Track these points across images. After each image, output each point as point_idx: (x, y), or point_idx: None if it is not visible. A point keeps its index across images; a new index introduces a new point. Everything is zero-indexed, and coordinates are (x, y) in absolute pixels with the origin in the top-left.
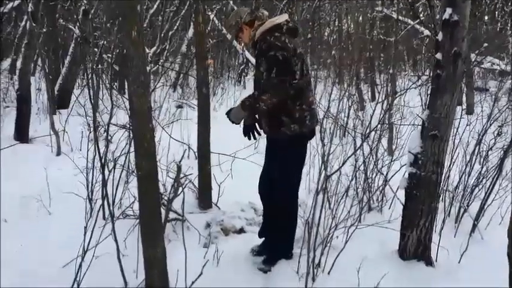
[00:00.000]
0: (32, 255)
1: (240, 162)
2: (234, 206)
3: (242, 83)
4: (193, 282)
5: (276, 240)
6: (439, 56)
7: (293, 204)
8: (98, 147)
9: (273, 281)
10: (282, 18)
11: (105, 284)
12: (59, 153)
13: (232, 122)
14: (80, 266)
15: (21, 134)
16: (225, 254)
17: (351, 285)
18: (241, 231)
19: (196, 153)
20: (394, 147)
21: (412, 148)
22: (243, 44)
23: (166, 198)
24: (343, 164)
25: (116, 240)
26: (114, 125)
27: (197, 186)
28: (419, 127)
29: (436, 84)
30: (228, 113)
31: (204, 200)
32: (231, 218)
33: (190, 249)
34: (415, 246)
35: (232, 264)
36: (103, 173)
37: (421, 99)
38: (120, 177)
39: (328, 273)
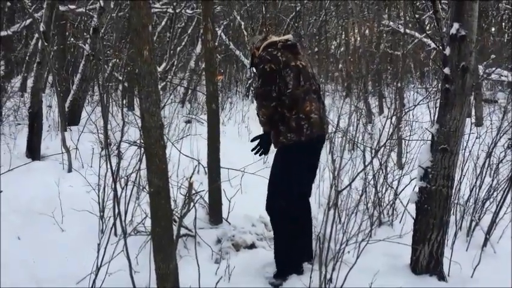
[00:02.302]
0: (45, 272)
1: (250, 177)
2: (245, 221)
3: (250, 97)
4: None
5: (280, 252)
6: (447, 70)
7: (293, 214)
8: (110, 163)
9: None
10: (282, 37)
11: None
12: (70, 170)
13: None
14: (94, 282)
15: (33, 152)
16: (236, 269)
17: None
18: (252, 246)
19: (206, 169)
20: (403, 161)
21: (422, 162)
22: (250, 59)
23: (177, 214)
24: (354, 179)
25: (128, 257)
26: (125, 142)
27: (207, 201)
28: (429, 141)
29: (444, 98)
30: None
31: (215, 215)
32: (242, 233)
33: (201, 264)
34: (427, 261)
35: (243, 279)
36: (115, 190)
37: (430, 112)
38: (131, 193)
39: None
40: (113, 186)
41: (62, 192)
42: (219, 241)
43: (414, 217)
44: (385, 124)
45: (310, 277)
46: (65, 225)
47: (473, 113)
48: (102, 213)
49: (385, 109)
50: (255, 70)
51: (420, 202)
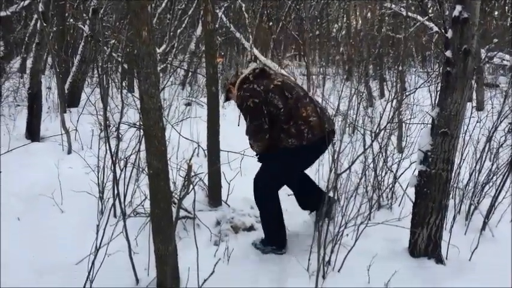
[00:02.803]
0: (45, 253)
1: (249, 160)
2: (244, 204)
3: None
4: (205, 281)
5: (267, 227)
6: (448, 53)
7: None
8: (109, 145)
9: (283, 278)
10: (248, 69)
11: (117, 281)
12: (69, 151)
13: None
14: (93, 263)
15: (33, 133)
16: (235, 251)
17: (361, 283)
18: (251, 228)
19: (205, 151)
20: (403, 144)
21: (422, 146)
22: (251, 42)
23: (176, 196)
24: (354, 162)
25: (127, 239)
26: (124, 123)
27: (207, 184)
28: (429, 125)
29: (446, 81)
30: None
31: (214, 197)
32: (241, 215)
33: (200, 247)
34: (426, 244)
35: (242, 262)
36: (114, 172)
37: (431, 96)
38: (130, 175)
39: (339, 270)
40: (112, 168)
41: (62, 173)
42: (218, 223)
43: (413, 201)
44: (385, 107)
45: (309, 259)
46: (64, 207)
47: (474, 97)
48: (101, 195)
49: (386, 93)
50: (234, 104)
51: (419, 186)
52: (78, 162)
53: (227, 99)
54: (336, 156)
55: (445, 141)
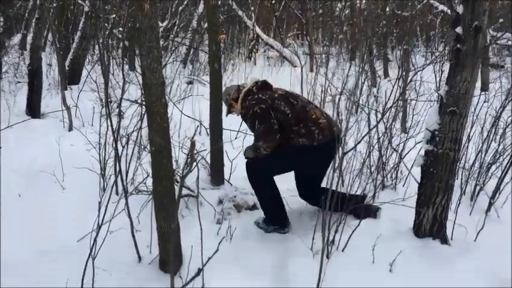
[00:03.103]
0: (47, 230)
1: (252, 139)
2: (246, 182)
3: (252, 59)
4: (209, 259)
5: (265, 206)
6: (459, 30)
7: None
8: (111, 121)
9: (287, 257)
10: (250, 83)
11: (119, 259)
12: (71, 128)
13: (247, 157)
14: (95, 241)
15: (33, 109)
16: (237, 230)
17: (366, 262)
18: (253, 207)
19: (207, 130)
20: (408, 124)
21: (429, 125)
22: (253, 20)
23: (179, 174)
24: (360, 141)
25: (129, 216)
26: (126, 100)
27: (209, 162)
28: (437, 103)
29: (455, 59)
30: (245, 151)
31: (216, 176)
32: (243, 194)
33: (203, 225)
34: (431, 224)
35: (245, 240)
36: (116, 149)
37: (435, 76)
38: (132, 152)
39: (343, 250)
40: (113, 145)
41: (63, 150)
42: (220, 202)
43: (418, 181)
44: (394, 86)
45: (313, 239)
46: (65, 184)
47: (479, 76)
48: (103, 172)
49: (390, 72)
50: (237, 116)
51: (426, 165)
52: (79, 139)
53: (229, 112)
54: (342, 134)
55: (453, 120)
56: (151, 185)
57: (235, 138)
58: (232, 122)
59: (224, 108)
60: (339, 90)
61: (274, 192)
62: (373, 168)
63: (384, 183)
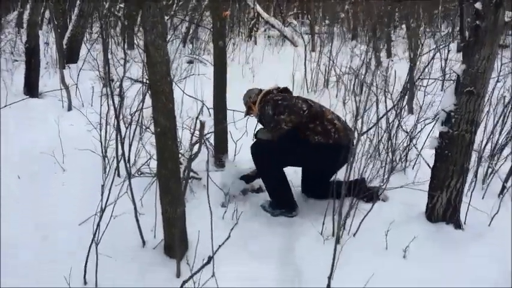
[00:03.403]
0: (47, 213)
1: (255, 120)
2: (251, 164)
3: (253, 38)
4: (219, 247)
5: (272, 190)
6: (478, 5)
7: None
8: (113, 101)
9: (296, 242)
10: (272, 87)
11: (123, 243)
12: (70, 108)
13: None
14: (98, 225)
15: (31, 89)
16: (243, 214)
17: (378, 247)
18: (259, 190)
19: (209, 110)
20: (417, 106)
21: (445, 105)
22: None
23: (182, 156)
24: (378, 121)
25: (133, 200)
26: (128, 78)
27: (213, 144)
28: (452, 83)
29: (474, 36)
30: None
31: (221, 158)
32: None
33: (208, 209)
34: (444, 208)
35: (251, 224)
36: (118, 130)
37: (440, 56)
38: (134, 133)
39: (354, 235)
40: (115, 126)
41: (62, 131)
42: (225, 185)
43: (428, 164)
44: (411, 67)
45: (323, 223)
46: (66, 165)
47: None
48: (105, 153)
49: (394, 52)
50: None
51: (440, 148)
52: (79, 120)
53: (247, 114)
54: (358, 115)
55: (470, 100)
56: (155, 168)
57: (245, 117)
58: (236, 103)
59: (242, 106)
60: (343, 70)
61: (280, 175)
62: (382, 151)
63: (393, 166)
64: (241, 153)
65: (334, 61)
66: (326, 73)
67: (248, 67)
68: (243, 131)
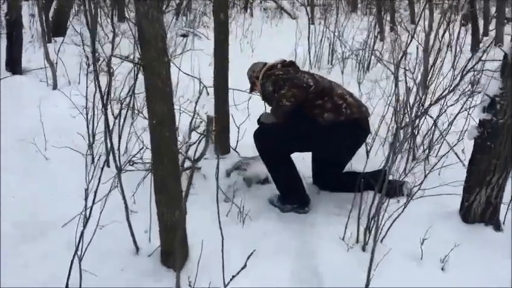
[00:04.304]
0: (27, 211)
1: (258, 100)
2: (255, 151)
3: (249, 10)
4: (233, 277)
5: (279, 181)
6: None
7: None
8: (99, 85)
9: (314, 249)
10: (277, 60)
11: (112, 250)
12: (55, 86)
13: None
14: (82, 236)
15: (14, 65)
16: (251, 211)
17: (412, 257)
18: (265, 181)
19: (207, 89)
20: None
21: (488, 89)
22: None
23: (181, 146)
24: (426, 111)
25: (124, 199)
26: (117, 56)
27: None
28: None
29: None
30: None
31: (222, 144)
32: (253, 165)
33: (209, 204)
34: (483, 208)
35: (259, 223)
36: (106, 119)
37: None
38: (125, 118)
39: (381, 241)
40: (102, 110)
41: (45, 113)
42: (227, 175)
43: (461, 159)
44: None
45: (346, 227)
46: (48, 153)
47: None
48: (92, 142)
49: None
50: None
51: (481, 138)
52: (64, 101)
53: (252, 90)
54: (401, 109)
55: None
56: (150, 160)
57: (250, 94)
58: (236, 81)
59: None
60: (348, 46)
61: (289, 166)
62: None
63: (414, 154)
64: (244, 139)
65: (341, 35)
66: (330, 48)
67: (246, 41)
68: (246, 113)
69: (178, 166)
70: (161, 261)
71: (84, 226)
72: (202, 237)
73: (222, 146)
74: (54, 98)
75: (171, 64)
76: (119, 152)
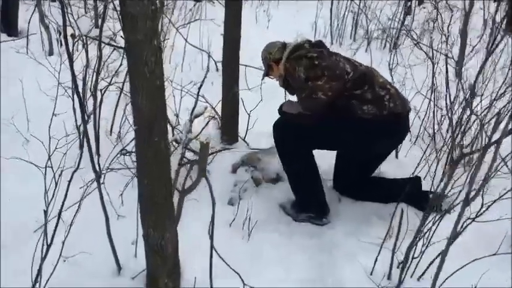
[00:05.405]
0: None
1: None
2: (266, 141)
3: None
4: None
5: (295, 185)
6: None
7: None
8: (72, 72)
9: (332, 273)
10: (301, 39)
11: (90, 268)
12: (51, 52)
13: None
14: (40, 269)
15: (9, 26)
16: (257, 215)
17: None
18: (276, 180)
19: (217, 64)
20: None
21: None
22: None
23: (179, 134)
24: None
25: (104, 209)
26: (92, 38)
27: (219, 113)
28: None
29: None
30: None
31: (229, 131)
32: (263, 159)
33: (209, 210)
34: None
35: (268, 236)
36: (83, 116)
37: None
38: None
39: (419, 279)
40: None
41: (31, 87)
42: (234, 171)
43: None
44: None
45: (376, 260)
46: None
47: None
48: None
49: None
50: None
51: None
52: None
53: (267, 75)
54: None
55: None
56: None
57: (263, 79)
58: (249, 56)
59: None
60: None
61: (309, 166)
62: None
63: (453, 156)
64: (255, 127)
65: (367, 7)
66: (354, 22)
67: (263, 9)
68: (258, 96)
69: (171, 182)
70: (146, 285)
71: (43, 258)
72: (198, 254)
73: (229, 134)
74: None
75: (178, 34)
76: (98, 154)
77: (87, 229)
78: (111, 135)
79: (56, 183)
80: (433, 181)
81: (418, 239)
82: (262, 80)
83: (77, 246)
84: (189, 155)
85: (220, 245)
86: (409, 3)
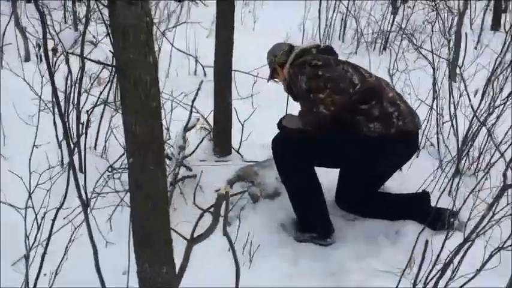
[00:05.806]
0: None
1: (264, 84)
2: (261, 153)
3: None
4: None
5: (297, 205)
6: None
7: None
8: (54, 88)
9: None
10: (310, 43)
11: None
12: (28, 58)
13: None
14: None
15: None
16: (256, 236)
17: None
18: (275, 195)
19: (204, 68)
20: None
21: None
22: None
23: (171, 149)
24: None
25: (92, 242)
26: (74, 54)
27: (211, 124)
28: None
29: None
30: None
31: (222, 143)
32: (261, 174)
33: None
34: None
35: (268, 261)
36: (69, 147)
37: None
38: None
39: None
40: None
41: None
42: (229, 186)
43: None
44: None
45: (398, 283)
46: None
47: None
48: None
49: None
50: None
51: None
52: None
53: (271, 78)
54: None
55: None
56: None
57: (268, 81)
58: (238, 60)
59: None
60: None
61: (311, 182)
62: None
63: (459, 168)
64: (249, 138)
65: (356, 7)
66: (342, 23)
67: (248, 10)
68: (250, 105)
69: (168, 213)
70: None
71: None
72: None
73: (222, 145)
74: (26, 69)
75: (163, 39)
76: (85, 173)
77: (75, 261)
78: (95, 149)
79: (39, 227)
80: (440, 196)
81: (443, 272)
82: (268, 81)
83: (63, 280)
84: (182, 171)
85: (219, 273)
86: (395, 2)
